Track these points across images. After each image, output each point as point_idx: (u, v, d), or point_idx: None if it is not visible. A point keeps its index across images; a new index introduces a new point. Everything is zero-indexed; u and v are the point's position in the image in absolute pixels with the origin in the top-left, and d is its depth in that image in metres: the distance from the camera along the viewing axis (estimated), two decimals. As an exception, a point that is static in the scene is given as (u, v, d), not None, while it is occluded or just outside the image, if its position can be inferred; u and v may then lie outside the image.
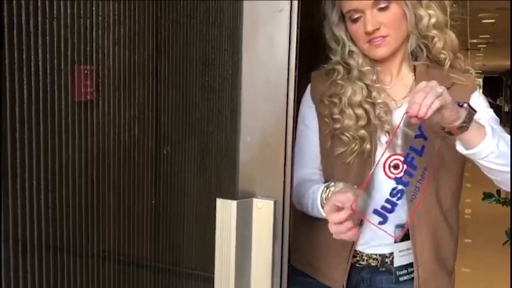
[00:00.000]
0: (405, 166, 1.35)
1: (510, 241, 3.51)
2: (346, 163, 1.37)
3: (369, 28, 1.31)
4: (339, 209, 1.06)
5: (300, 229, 1.39)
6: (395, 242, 1.38)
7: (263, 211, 0.56)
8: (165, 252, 1.26)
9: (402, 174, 1.35)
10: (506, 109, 19.92)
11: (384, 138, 1.39)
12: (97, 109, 1.07)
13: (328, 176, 1.41)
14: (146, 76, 1.23)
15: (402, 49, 1.40)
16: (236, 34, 1.43)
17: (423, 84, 1.10)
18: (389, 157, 1.38)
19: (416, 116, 1.04)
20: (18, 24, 0.87)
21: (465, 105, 1.15)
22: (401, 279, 1.42)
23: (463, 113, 1.13)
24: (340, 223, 1.05)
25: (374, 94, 1.30)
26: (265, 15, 0.55)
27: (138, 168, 1.22)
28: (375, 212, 1.36)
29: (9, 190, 0.86)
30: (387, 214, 1.33)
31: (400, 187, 1.33)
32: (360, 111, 1.30)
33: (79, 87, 1.00)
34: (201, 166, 1.43)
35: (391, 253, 1.41)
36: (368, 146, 1.34)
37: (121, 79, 1.14)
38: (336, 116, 1.34)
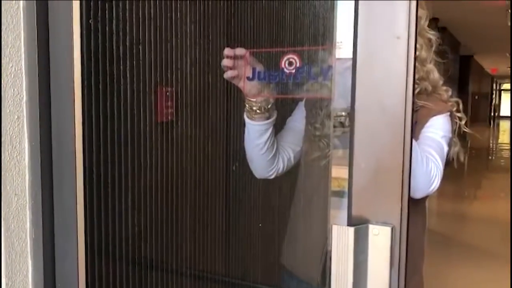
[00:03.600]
0: None
1: None
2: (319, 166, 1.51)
3: None
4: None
5: (289, 235, 1.53)
6: None
7: (379, 237, 0.56)
8: (237, 267, 1.27)
9: None
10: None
11: None
12: (176, 129, 1.10)
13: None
14: (218, 95, 1.26)
15: None
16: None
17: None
18: None
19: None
20: (110, 50, 0.90)
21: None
22: None
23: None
24: (228, 59, 1.13)
25: None
26: (381, 42, 0.56)
27: (210, 185, 1.25)
28: None
29: (102, 209, 0.89)
30: None
31: None
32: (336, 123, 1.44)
33: (161, 109, 1.03)
34: (266, 181, 1.43)
35: None
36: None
37: (197, 99, 1.17)
38: (317, 125, 1.50)
